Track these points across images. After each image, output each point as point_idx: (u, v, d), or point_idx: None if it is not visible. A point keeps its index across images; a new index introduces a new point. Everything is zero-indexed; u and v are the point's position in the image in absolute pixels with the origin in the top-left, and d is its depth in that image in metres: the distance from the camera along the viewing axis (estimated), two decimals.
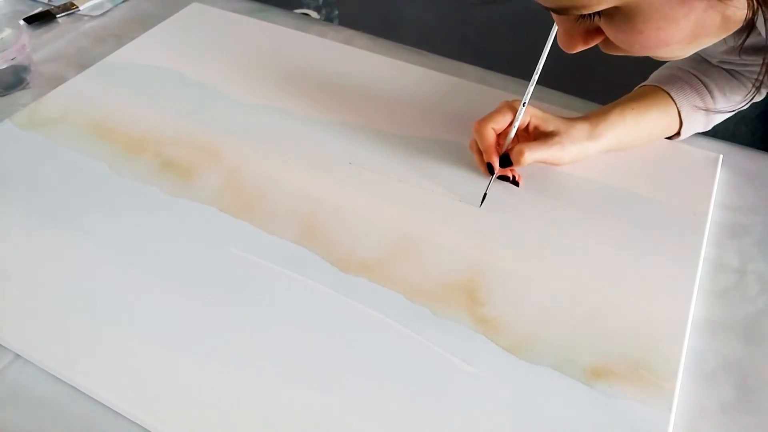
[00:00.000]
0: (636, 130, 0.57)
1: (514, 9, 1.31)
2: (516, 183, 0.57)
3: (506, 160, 0.55)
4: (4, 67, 0.67)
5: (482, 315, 0.47)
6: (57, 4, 0.82)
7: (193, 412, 0.41)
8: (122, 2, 0.83)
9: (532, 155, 0.54)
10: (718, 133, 0.61)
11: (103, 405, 0.42)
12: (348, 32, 0.78)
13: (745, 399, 0.43)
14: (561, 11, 0.36)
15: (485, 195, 0.55)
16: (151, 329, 0.46)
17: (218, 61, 0.72)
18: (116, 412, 0.42)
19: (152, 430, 0.41)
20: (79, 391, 0.43)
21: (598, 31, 0.39)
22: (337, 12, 1.53)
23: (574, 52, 0.41)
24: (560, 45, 0.41)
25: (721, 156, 0.60)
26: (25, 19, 0.79)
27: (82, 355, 0.44)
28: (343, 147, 0.61)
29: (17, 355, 0.45)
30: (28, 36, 0.71)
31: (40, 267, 0.50)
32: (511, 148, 0.55)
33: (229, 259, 0.51)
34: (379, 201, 0.56)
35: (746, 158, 0.61)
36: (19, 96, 0.68)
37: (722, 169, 0.59)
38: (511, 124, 0.55)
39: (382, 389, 0.43)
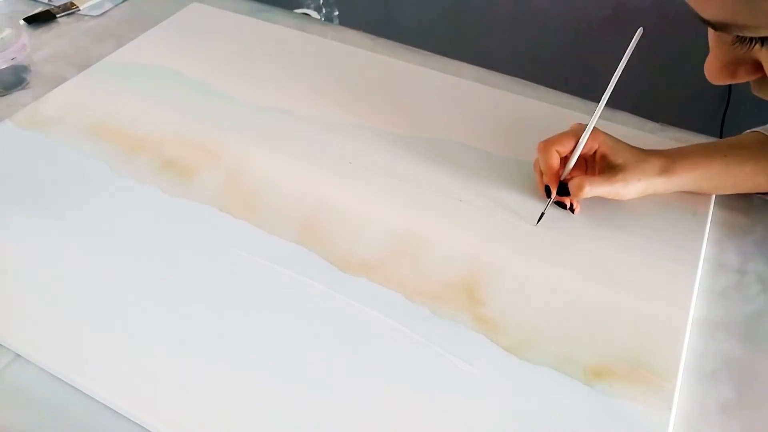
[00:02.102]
0: (721, 178, 0.53)
1: (514, 9, 1.31)
2: (572, 210, 0.54)
3: (564, 189, 0.52)
4: (4, 67, 0.67)
5: (482, 315, 0.47)
6: (57, 4, 0.82)
7: (193, 412, 0.41)
8: (122, 2, 0.83)
9: (592, 190, 0.51)
10: None
11: (103, 405, 0.42)
12: (348, 32, 0.78)
13: (745, 399, 0.43)
14: (719, 26, 0.31)
15: (542, 215, 0.53)
16: (151, 329, 0.46)
17: (218, 61, 0.72)
18: (116, 412, 0.42)
19: (152, 430, 0.41)
20: (79, 391, 0.43)
21: (755, 66, 0.34)
22: (337, 12, 1.52)
23: (720, 83, 0.36)
24: (706, 71, 0.36)
25: None
26: (25, 19, 0.79)
27: (82, 355, 0.44)
28: (343, 147, 0.61)
29: (17, 355, 0.45)
30: (28, 36, 0.71)
31: (40, 267, 0.50)
32: (571, 178, 0.52)
33: (229, 259, 0.51)
34: (379, 201, 0.56)
35: None
36: (19, 96, 0.68)
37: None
38: (573, 149, 0.52)
39: (381, 389, 0.43)
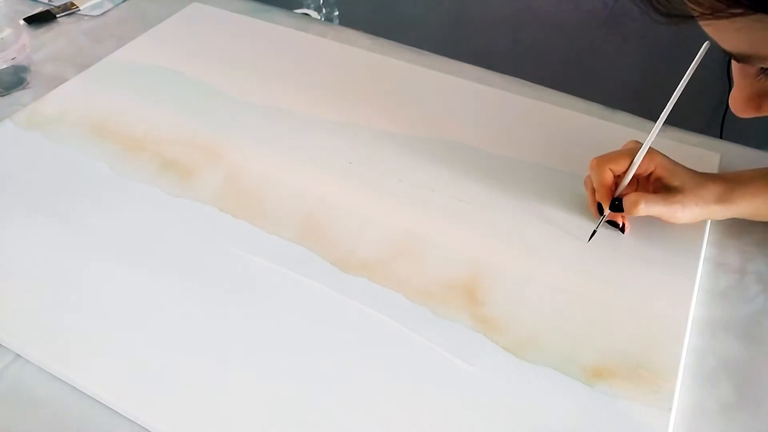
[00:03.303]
0: None
1: (514, 9, 1.31)
2: (623, 230, 0.53)
3: (618, 206, 0.51)
4: (5, 67, 0.67)
5: (482, 315, 0.47)
6: (57, 4, 0.82)
7: (193, 412, 0.41)
8: (122, 2, 0.83)
9: (647, 208, 0.50)
10: None
11: (103, 405, 0.42)
12: (348, 32, 0.78)
13: (745, 399, 0.43)
14: (741, 58, 0.31)
15: (594, 233, 0.52)
16: (152, 329, 0.46)
17: (218, 61, 0.72)
18: (116, 412, 0.42)
19: (152, 430, 0.41)
20: (79, 391, 0.43)
21: None
22: (337, 12, 1.52)
23: (745, 116, 0.36)
24: (731, 105, 0.36)
25: (719, 155, 0.60)
26: (25, 19, 0.79)
27: (82, 355, 0.44)
28: (343, 147, 0.61)
29: (17, 355, 0.45)
30: (28, 36, 0.71)
31: (40, 267, 0.50)
32: (626, 194, 0.51)
33: (230, 259, 0.51)
34: (379, 201, 0.56)
35: (745, 157, 0.61)
36: (19, 96, 0.68)
37: (721, 168, 0.59)
38: (628, 168, 0.50)
39: (381, 389, 0.43)
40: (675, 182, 0.51)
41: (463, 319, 0.47)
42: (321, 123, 0.64)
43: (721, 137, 0.64)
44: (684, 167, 0.52)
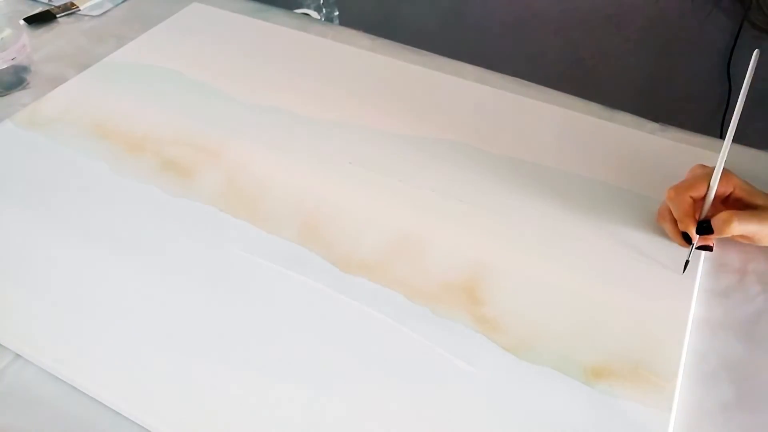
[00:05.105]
0: None
1: (513, 9, 1.31)
2: (710, 249, 0.51)
3: (704, 229, 0.49)
4: (5, 67, 0.67)
5: (482, 315, 0.47)
6: (57, 4, 0.82)
7: (193, 412, 0.41)
8: (122, 2, 0.83)
9: (741, 226, 0.48)
10: None
11: (103, 405, 0.42)
12: (348, 32, 0.78)
13: (745, 399, 0.43)
14: None
15: (687, 263, 0.50)
16: (151, 329, 0.46)
17: (218, 61, 0.72)
18: (116, 412, 0.42)
19: (152, 430, 0.41)
20: (79, 391, 0.43)
21: None
22: (337, 12, 1.52)
23: None
24: None
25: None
26: (25, 19, 0.79)
27: (82, 355, 0.44)
28: (343, 147, 0.61)
29: (17, 355, 0.45)
30: (28, 36, 0.71)
31: (40, 267, 0.50)
32: (711, 215, 0.49)
33: (229, 259, 0.51)
34: (379, 201, 0.56)
35: (746, 158, 0.61)
36: (19, 96, 0.68)
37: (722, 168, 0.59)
38: (707, 192, 0.49)
39: (381, 389, 0.43)
40: (757, 201, 0.49)
41: (463, 319, 0.47)
42: (321, 123, 0.64)
43: (721, 137, 0.64)
44: (757, 188, 0.50)
